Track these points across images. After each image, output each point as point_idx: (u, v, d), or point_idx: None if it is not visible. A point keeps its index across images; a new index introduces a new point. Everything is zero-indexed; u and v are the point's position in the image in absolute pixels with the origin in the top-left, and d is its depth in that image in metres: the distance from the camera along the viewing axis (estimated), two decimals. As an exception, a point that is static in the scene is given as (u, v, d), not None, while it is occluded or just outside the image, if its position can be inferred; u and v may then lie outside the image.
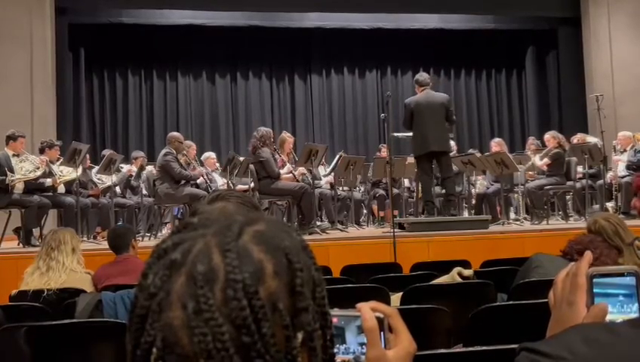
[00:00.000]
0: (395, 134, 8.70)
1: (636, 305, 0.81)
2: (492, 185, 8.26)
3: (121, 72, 11.32)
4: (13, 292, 3.42)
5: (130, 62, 11.32)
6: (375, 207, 9.08)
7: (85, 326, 2.47)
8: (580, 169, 7.89)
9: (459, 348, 2.12)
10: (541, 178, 7.80)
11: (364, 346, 0.78)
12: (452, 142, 8.12)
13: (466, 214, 7.90)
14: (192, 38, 10.86)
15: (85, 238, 6.81)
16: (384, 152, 8.58)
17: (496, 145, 8.49)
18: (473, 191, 8.52)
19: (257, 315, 0.58)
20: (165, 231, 7.74)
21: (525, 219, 8.04)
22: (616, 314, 0.81)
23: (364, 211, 9.24)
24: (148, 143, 11.11)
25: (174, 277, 0.59)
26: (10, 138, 6.56)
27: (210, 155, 8.98)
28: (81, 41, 10.39)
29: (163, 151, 7.04)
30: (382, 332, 0.78)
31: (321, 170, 8.38)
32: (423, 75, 6.82)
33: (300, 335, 0.60)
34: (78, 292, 3.16)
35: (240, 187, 7.73)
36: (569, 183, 7.75)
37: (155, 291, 0.60)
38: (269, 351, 0.58)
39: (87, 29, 10.24)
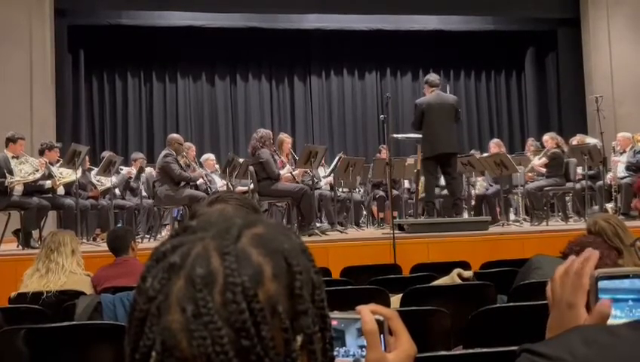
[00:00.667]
0: (395, 135, 8.72)
1: None
2: (491, 186, 8.27)
3: (120, 73, 11.33)
4: (13, 294, 3.42)
5: (129, 64, 11.32)
6: (375, 209, 9.09)
7: (85, 329, 2.47)
8: (579, 170, 7.89)
9: (459, 350, 2.11)
10: (540, 179, 7.81)
11: (364, 349, 0.78)
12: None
13: (465, 215, 7.90)
14: (192, 40, 10.86)
15: (85, 240, 6.81)
16: (384, 153, 8.58)
17: (495, 145, 8.50)
18: (473, 192, 8.52)
19: (256, 318, 0.57)
20: (165, 232, 7.74)
21: (525, 220, 8.04)
22: (625, 318, 0.79)
23: (364, 212, 9.24)
24: (147, 145, 11.11)
25: (173, 281, 0.59)
26: (10, 140, 6.56)
27: (209, 157, 8.98)
28: (81, 43, 10.39)
29: (163, 153, 7.04)
30: (382, 335, 0.78)
31: (321, 172, 8.38)
32: (433, 76, 6.84)
33: (299, 338, 0.60)
34: (78, 294, 3.15)
35: (239, 188, 7.73)
36: (569, 184, 7.75)
37: (153, 294, 0.59)
38: (269, 355, 0.57)
39: (87, 30, 10.24)
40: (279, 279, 0.60)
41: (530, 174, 8.11)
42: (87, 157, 7.48)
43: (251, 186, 7.04)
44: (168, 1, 9.88)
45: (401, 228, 6.48)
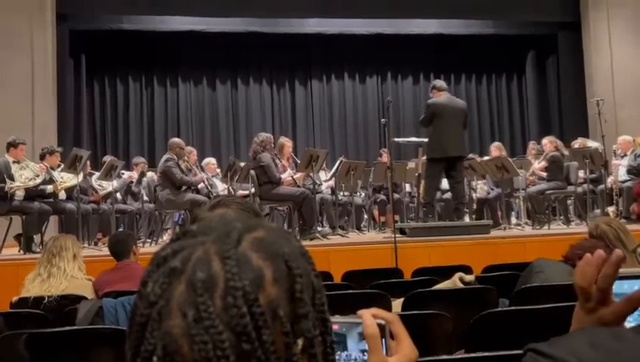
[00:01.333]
0: (396, 139, 8.72)
1: None
2: (492, 190, 8.26)
3: (121, 78, 11.35)
4: (14, 299, 3.42)
5: (130, 69, 11.35)
6: (376, 212, 9.08)
7: (86, 333, 2.47)
8: (581, 173, 7.88)
9: (460, 354, 2.11)
10: (542, 183, 7.80)
11: (365, 353, 0.78)
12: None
13: (467, 219, 7.89)
14: (193, 44, 10.89)
15: (86, 244, 6.81)
16: (385, 157, 8.58)
17: (496, 149, 8.49)
18: (474, 195, 8.51)
19: (257, 322, 0.57)
20: (166, 237, 7.74)
21: (526, 223, 8.04)
22: (633, 322, 0.79)
23: (365, 216, 9.24)
24: (149, 149, 11.12)
25: (174, 285, 0.59)
26: (11, 145, 6.56)
27: (210, 161, 8.98)
28: (82, 48, 10.42)
29: (164, 157, 7.05)
30: (383, 339, 0.78)
31: (322, 175, 8.38)
32: (439, 82, 6.91)
33: (300, 342, 0.60)
34: (79, 298, 3.15)
35: (240, 192, 7.73)
36: (570, 188, 7.75)
37: (154, 299, 0.59)
38: (270, 359, 0.57)
39: (88, 35, 10.27)
40: (280, 283, 0.60)
41: (531, 178, 8.10)
42: (88, 162, 7.49)
43: (252, 190, 7.04)
44: (169, 6, 9.91)
45: (402, 231, 6.47)
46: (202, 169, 8.22)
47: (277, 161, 7.02)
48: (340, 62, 11.94)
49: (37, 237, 6.42)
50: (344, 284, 3.63)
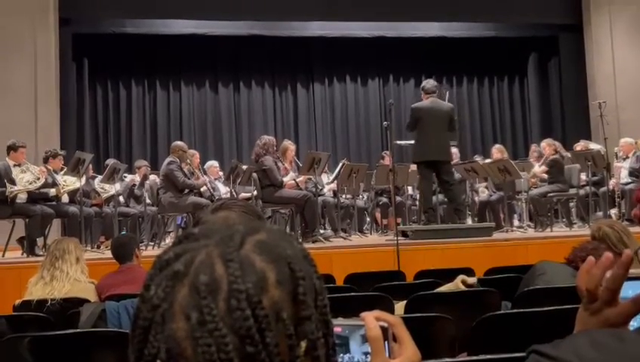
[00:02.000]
0: (398, 142, 8.71)
1: None
2: (494, 192, 8.25)
3: (124, 81, 11.38)
4: (17, 302, 3.42)
5: (133, 72, 11.37)
6: (378, 215, 9.08)
7: (89, 336, 2.47)
8: (583, 176, 7.87)
9: (463, 357, 2.11)
10: (544, 185, 7.79)
11: (368, 355, 0.78)
12: (455, 150, 8.13)
13: (469, 222, 7.89)
14: (195, 48, 10.91)
15: (89, 247, 6.82)
16: (387, 160, 8.58)
17: (497, 151, 8.48)
18: (476, 198, 8.50)
19: (261, 325, 0.57)
20: (169, 240, 7.75)
21: (529, 226, 8.03)
22: (637, 324, 0.80)
23: (368, 219, 9.23)
24: (151, 152, 11.14)
25: (177, 288, 0.59)
26: (11, 148, 6.57)
27: (213, 164, 8.99)
28: (85, 52, 10.45)
29: (167, 161, 7.06)
30: (386, 342, 0.78)
31: (324, 178, 8.39)
32: (429, 83, 6.84)
33: (303, 344, 0.60)
34: (82, 301, 3.15)
35: (243, 195, 7.74)
36: (572, 190, 7.73)
37: (158, 302, 0.59)
38: (273, 361, 0.58)
39: (91, 39, 10.29)
40: (283, 285, 0.60)
41: (533, 180, 8.09)
42: (90, 165, 7.50)
43: (255, 193, 7.04)
44: (172, 10, 9.94)
45: (404, 234, 6.47)
46: (205, 172, 8.23)
47: (279, 163, 7.03)
48: (341, 65, 11.95)
49: (40, 240, 6.43)
50: (346, 287, 3.62)
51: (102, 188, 7.74)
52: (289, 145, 7.60)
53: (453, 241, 5.98)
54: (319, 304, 0.63)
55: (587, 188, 7.66)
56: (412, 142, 8.26)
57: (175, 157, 7.02)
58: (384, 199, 8.78)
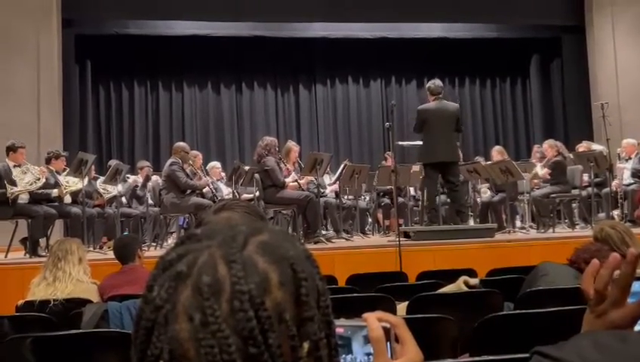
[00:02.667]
0: (400, 143, 8.71)
1: None
2: (496, 194, 8.23)
3: (127, 82, 11.40)
4: (20, 302, 3.43)
5: (136, 73, 11.39)
6: (380, 216, 9.07)
7: (91, 337, 2.47)
8: (585, 177, 7.86)
9: (465, 358, 2.11)
10: (545, 186, 7.78)
11: (370, 356, 0.78)
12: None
13: (471, 223, 7.88)
14: (197, 49, 10.93)
15: (91, 248, 6.82)
16: (389, 161, 8.57)
17: (498, 153, 8.47)
18: (478, 199, 8.49)
19: (264, 326, 0.57)
20: (171, 240, 7.75)
21: (531, 227, 8.02)
22: None
23: (370, 220, 9.23)
24: (153, 153, 11.15)
25: (180, 289, 0.59)
26: (10, 149, 6.57)
27: (215, 165, 9.00)
28: (88, 53, 10.47)
29: (169, 161, 7.07)
30: (388, 343, 0.78)
31: (326, 179, 8.38)
32: (435, 83, 6.83)
33: (306, 345, 0.60)
34: (85, 302, 3.16)
35: (245, 196, 7.74)
36: (575, 191, 7.72)
37: (160, 303, 0.59)
38: (276, 362, 0.58)
39: (94, 40, 10.32)
40: (285, 286, 0.60)
41: (535, 181, 8.08)
42: (93, 166, 7.51)
43: (257, 194, 7.05)
44: (174, 11, 9.95)
45: (406, 235, 6.47)
46: (207, 173, 8.23)
47: (281, 164, 7.03)
48: (344, 66, 11.95)
49: (42, 241, 6.44)
50: (348, 288, 3.62)
51: (104, 188, 7.75)
52: (293, 146, 7.60)
53: (455, 242, 5.98)
54: (322, 305, 0.63)
55: (589, 189, 7.65)
56: (414, 143, 8.28)
57: (177, 158, 7.03)
58: (386, 200, 8.77)
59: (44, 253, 5.88)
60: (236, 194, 7.73)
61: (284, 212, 7.64)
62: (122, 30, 10.39)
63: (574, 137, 9.98)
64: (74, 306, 3.15)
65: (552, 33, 11.35)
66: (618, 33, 10.47)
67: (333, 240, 6.82)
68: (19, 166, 6.49)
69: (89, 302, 3.19)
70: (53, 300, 3.31)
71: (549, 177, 7.76)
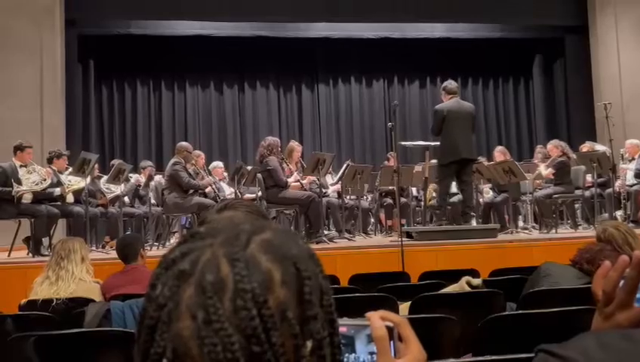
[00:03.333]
0: (403, 143, 8.71)
1: None
2: (499, 194, 8.22)
3: (129, 82, 11.41)
4: (23, 301, 3.44)
5: (138, 73, 11.41)
6: (383, 216, 9.07)
7: (94, 336, 2.48)
8: (588, 177, 7.85)
9: (468, 358, 2.11)
10: (549, 186, 7.77)
11: (374, 355, 0.78)
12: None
13: (474, 223, 7.87)
14: (200, 49, 10.94)
15: (94, 247, 6.84)
16: (392, 161, 8.57)
17: (500, 153, 8.46)
18: (481, 199, 8.49)
19: (267, 325, 0.57)
20: (173, 240, 7.76)
21: (534, 227, 8.00)
22: None
23: (372, 220, 9.23)
24: (156, 153, 11.17)
25: (183, 288, 0.59)
26: (18, 148, 6.60)
27: (217, 165, 9.01)
28: (90, 52, 10.49)
29: (172, 161, 7.08)
30: (392, 342, 0.78)
31: (329, 179, 8.38)
32: (451, 83, 6.86)
33: (309, 344, 0.60)
34: (87, 301, 3.16)
35: (247, 196, 7.75)
36: (578, 192, 7.71)
37: (164, 302, 0.59)
38: (279, 361, 0.58)
39: (96, 40, 10.34)
40: (289, 285, 0.60)
41: (538, 181, 8.07)
42: (96, 165, 7.53)
43: (259, 194, 7.05)
44: (177, 11, 9.96)
45: (409, 235, 6.46)
46: (209, 173, 8.24)
47: (284, 164, 7.03)
48: (346, 66, 11.95)
49: (45, 240, 6.45)
50: (351, 288, 3.62)
51: (107, 188, 7.77)
52: (295, 146, 7.61)
53: (458, 242, 5.97)
54: (325, 303, 0.63)
55: (592, 189, 7.63)
56: (417, 143, 8.29)
57: (180, 158, 7.04)
58: (388, 200, 8.77)
59: (46, 253, 5.90)
60: (238, 194, 7.73)
61: (286, 212, 7.64)
62: (125, 30, 10.41)
63: (577, 138, 9.96)
64: (77, 305, 3.16)
65: (555, 33, 11.33)
66: (621, 33, 10.45)
67: (335, 240, 6.83)
68: (25, 166, 6.52)
69: (92, 301, 3.19)
70: (56, 299, 3.32)
71: (552, 177, 7.75)
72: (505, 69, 12.43)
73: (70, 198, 6.88)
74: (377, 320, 0.77)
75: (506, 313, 2.59)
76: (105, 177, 7.82)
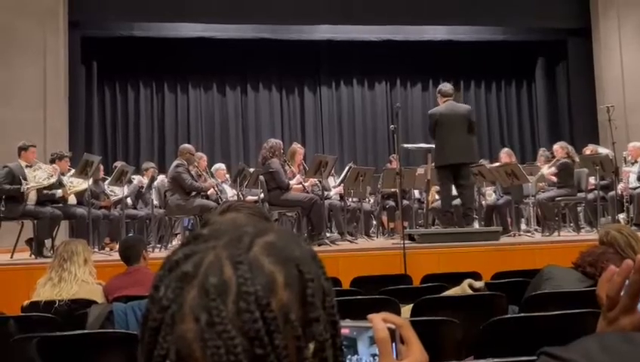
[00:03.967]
0: (405, 145, 8.70)
1: None
2: (501, 196, 8.22)
3: (132, 84, 11.44)
4: (25, 303, 3.44)
5: (141, 75, 11.43)
6: (385, 219, 9.06)
7: (96, 337, 2.48)
8: (591, 180, 7.83)
9: (470, 361, 2.10)
10: (551, 189, 7.76)
11: (376, 357, 0.78)
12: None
13: (476, 226, 7.86)
14: (203, 51, 10.96)
15: (96, 249, 6.85)
16: (394, 163, 8.57)
17: (506, 155, 8.45)
18: (483, 202, 8.48)
19: (270, 327, 0.58)
20: (175, 242, 7.77)
21: (536, 230, 7.99)
22: None
23: (374, 222, 9.22)
24: (159, 155, 11.19)
25: (186, 290, 0.59)
26: (22, 149, 6.65)
27: (220, 167, 9.01)
28: (94, 54, 10.52)
29: (174, 163, 7.08)
30: (393, 344, 0.78)
31: (331, 181, 8.38)
32: (446, 86, 6.82)
33: (311, 346, 0.60)
34: (90, 303, 3.17)
35: (250, 198, 7.75)
36: (580, 194, 7.69)
37: (167, 304, 0.60)
38: (282, 363, 0.58)
39: (100, 42, 10.36)
40: (291, 287, 0.60)
41: (540, 184, 8.06)
42: (101, 167, 7.55)
43: (262, 196, 7.05)
44: (180, 13, 9.98)
45: (411, 238, 6.45)
46: (212, 175, 8.25)
47: (286, 167, 7.04)
48: (349, 69, 11.96)
49: (48, 242, 6.47)
50: (353, 290, 3.62)
51: (111, 190, 7.78)
52: (298, 148, 7.61)
53: (460, 245, 5.96)
54: (327, 305, 0.63)
55: (595, 192, 7.62)
56: (419, 145, 8.29)
57: (183, 160, 7.05)
58: (391, 202, 8.77)
59: (49, 254, 5.91)
60: (241, 196, 7.74)
61: (288, 214, 7.64)
62: (128, 32, 10.44)
63: (580, 140, 9.95)
64: (79, 307, 3.16)
65: (558, 36, 11.33)
66: (624, 36, 10.44)
67: (337, 243, 6.82)
68: (30, 166, 6.56)
69: (94, 302, 3.20)
70: (59, 301, 3.33)
71: (554, 178, 7.74)
72: (507, 72, 12.43)
73: (72, 200, 6.90)
74: (379, 322, 0.77)
75: (508, 316, 2.59)
76: (109, 179, 7.84)
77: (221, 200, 7.27)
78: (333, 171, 8.01)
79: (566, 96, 11.60)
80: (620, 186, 7.85)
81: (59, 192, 6.69)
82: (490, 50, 11.66)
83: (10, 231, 6.53)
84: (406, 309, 2.77)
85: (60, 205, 6.67)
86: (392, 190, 8.42)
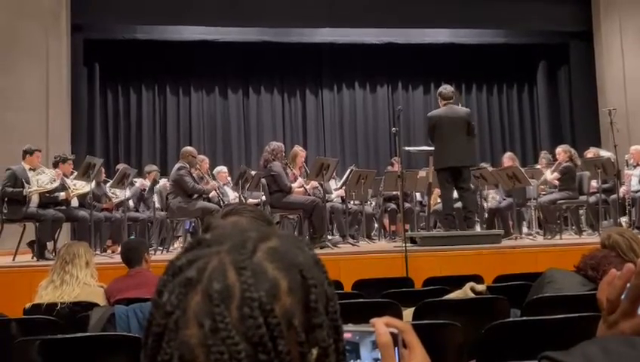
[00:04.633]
0: (407, 148, 8.70)
1: None
2: (504, 199, 8.22)
3: (134, 87, 11.46)
4: (27, 305, 3.44)
5: (143, 77, 11.45)
6: (386, 221, 9.06)
7: (98, 340, 2.48)
8: (593, 183, 7.83)
9: (472, 364, 2.10)
10: (553, 192, 7.76)
11: (378, 361, 0.78)
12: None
13: (478, 229, 7.85)
14: (205, 54, 10.98)
15: (98, 251, 6.86)
16: (396, 166, 8.56)
17: (509, 159, 8.44)
18: (485, 205, 8.47)
19: (273, 333, 0.58)
20: (177, 244, 7.77)
21: (538, 233, 7.98)
22: None
23: (376, 225, 9.22)
24: (161, 157, 11.20)
25: (190, 296, 0.59)
26: (27, 152, 6.67)
27: (221, 169, 9.02)
28: (96, 57, 10.54)
29: (177, 166, 7.09)
30: (396, 348, 0.78)
31: (332, 184, 8.39)
32: (446, 88, 6.78)
33: (314, 351, 0.61)
34: (92, 305, 3.17)
35: (251, 201, 7.76)
36: (582, 198, 7.69)
37: (171, 309, 0.60)
38: (285, 368, 0.58)
39: (102, 45, 10.39)
40: (295, 293, 0.60)
41: (542, 187, 8.05)
42: (103, 170, 7.55)
43: (263, 198, 7.06)
44: (182, 16, 10.00)
45: (413, 241, 6.45)
46: (214, 177, 8.26)
47: (287, 169, 7.04)
48: (350, 72, 11.97)
49: (50, 244, 6.47)
50: (354, 293, 3.62)
51: (113, 193, 7.79)
52: (299, 150, 7.61)
53: (461, 248, 5.95)
54: (330, 310, 0.64)
55: (597, 195, 7.61)
56: (421, 148, 8.27)
57: (185, 163, 7.06)
58: (392, 205, 8.76)
59: (51, 257, 5.91)
60: (242, 198, 7.74)
61: (290, 217, 7.64)
62: (130, 35, 10.46)
63: (582, 144, 9.94)
64: (81, 309, 3.16)
65: (560, 39, 11.33)
66: (626, 39, 10.44)
67: (339, 246, 6.82)
68: (34, 170, 6.57)
69: (96, 305, 3.20)
70: (61, 303, 3.33)
71: (557, 183, 7.73)
72: (509, 75, 12.43)
73: (75, 202, 6.91)
74: (382, 326, 0.77)
75: (510, 319, 2.59)
76: (110, 181, 7.85)
77: (223, 202, 7.27)
78: (334, 174, 8.01)
79: (568, 99, 11.60)
80: (622, 189, 7.84)
81: (61, 195, 6.70)
82: (492, 53, 11.67)
83: (13, 234, 6.54)
84: (408, 312, 2.77)
85: (63, 207, 6.68)
86: (394, 193, 8.42)
